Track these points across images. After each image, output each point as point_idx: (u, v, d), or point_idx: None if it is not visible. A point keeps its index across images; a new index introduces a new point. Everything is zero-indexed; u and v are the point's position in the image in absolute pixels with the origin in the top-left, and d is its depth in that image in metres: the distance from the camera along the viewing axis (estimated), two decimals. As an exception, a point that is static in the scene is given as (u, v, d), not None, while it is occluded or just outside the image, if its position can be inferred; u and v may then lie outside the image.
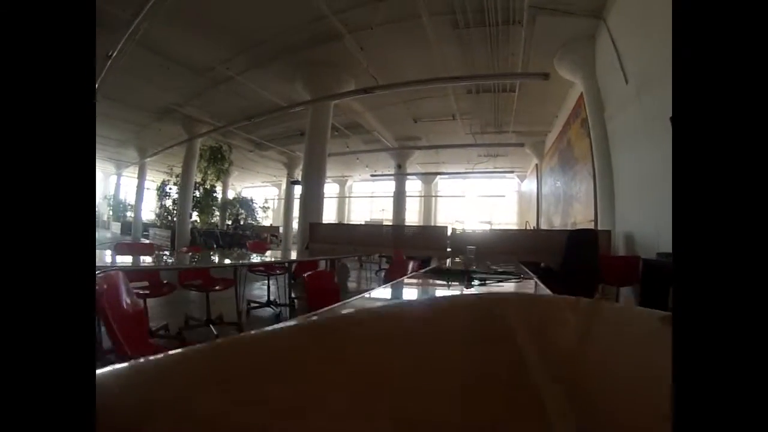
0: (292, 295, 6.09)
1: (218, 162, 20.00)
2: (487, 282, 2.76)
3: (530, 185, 21.00)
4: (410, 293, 2.65)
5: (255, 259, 5.79)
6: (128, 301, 1.81)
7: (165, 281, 4.63)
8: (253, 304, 6.11)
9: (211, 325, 4.77)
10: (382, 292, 2.60)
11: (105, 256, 4.80)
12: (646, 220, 6.59)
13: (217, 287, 4.79)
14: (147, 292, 4.31)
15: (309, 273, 2.56)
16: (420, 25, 8.36)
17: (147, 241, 20.03)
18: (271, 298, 6.33)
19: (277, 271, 6.41)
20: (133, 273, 4.41)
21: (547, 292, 2.46)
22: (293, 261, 5.93)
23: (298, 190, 13.36)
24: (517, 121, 14.34)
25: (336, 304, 1.70)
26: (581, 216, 10.65)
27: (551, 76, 8.51)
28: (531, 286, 2.88)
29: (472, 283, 2.69)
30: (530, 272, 3.62)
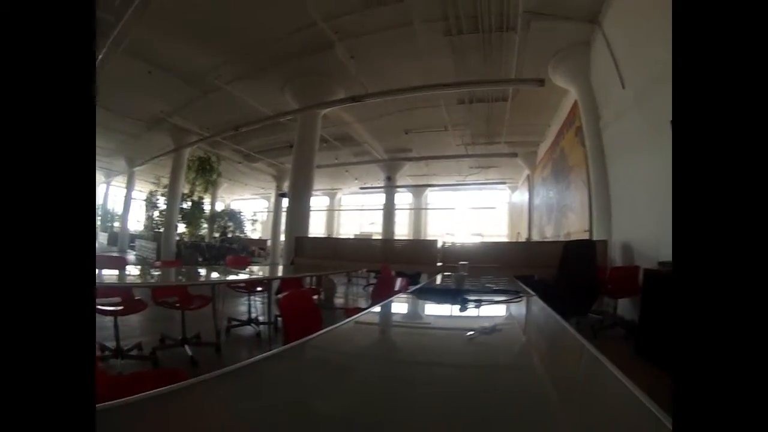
0: (276, 314, 5.80)
1: (206, 173, 19.72)
2: (483, 302, 2.52)
3: (521, 196, 21.01)
4: (395, 323, 2.40)
5: (242, 275, 5.54)
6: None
7: (138, 297, 4.40)
8: (234, 322, 5.82)
9: (186, 345, 4.45)
10: (366, 320, 2.32)
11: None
12: (646, 229, 6.45)
13: (192, 306, 4.54)
14: (119, 308, 4.10)
15: (285, 294, 2.33)
16: (412, 32, 8.27)
17: (133, 253, 19.76)
18: (255, 315, 6.04)
19: (258, 288, 6.13)
20: (104, 289, 4.19)
21: (549, 311, 2.36)
22: (274, 278, 5.66)
23: (286, 203, 13.18)
24: (509, 132, 14.25)
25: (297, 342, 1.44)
26: (576, 226, 10.53)
27: (545, 84, 8.40)
28: (533, 305, 2.73)
29: (467, 305, 2.44)
30: (529, 289, 3.46)
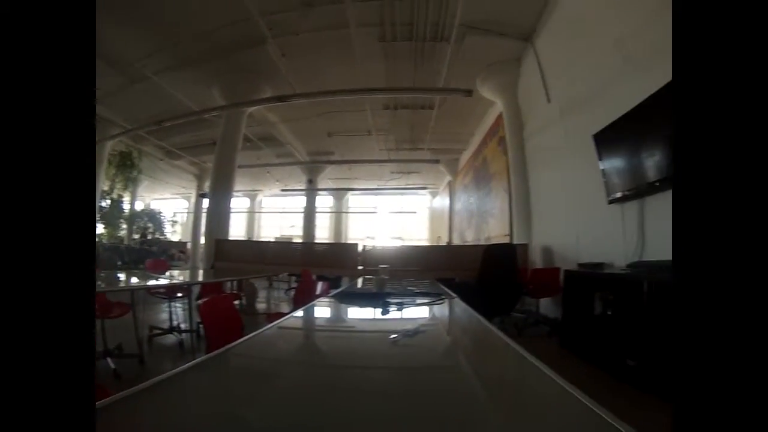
0: (198, 320, 5.60)
1: (127, 169, 18.63)
2: (405, 305, 2.53)
3: (442, 201, 21.42)
4: (319, 328, 2.38)
5: (162, 280, 5.31)
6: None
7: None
8: (156, 331, 5.55)
9: (108, 358, 4.13)
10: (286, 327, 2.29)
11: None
12: (566, 233, 6.80)
13: (112, 314, 4.27)
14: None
15: (204, 300, 2.26)
16: (347, 35, 8.22)
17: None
18: (177, 322, 5.78)
19: (179, 294, 5.89)
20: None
21: (471, 311, 2.39)
22: (194, 283, 5.48)
23: (207, 203, 12.73)
24: (433, 139, 14.51)
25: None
26: (496, 231, 10.86)
27: (472, 95, 8.60)
28: (455, 306, 2.74)
29: (389, 308, 2.45)
30: (450, 291, 3.48)
